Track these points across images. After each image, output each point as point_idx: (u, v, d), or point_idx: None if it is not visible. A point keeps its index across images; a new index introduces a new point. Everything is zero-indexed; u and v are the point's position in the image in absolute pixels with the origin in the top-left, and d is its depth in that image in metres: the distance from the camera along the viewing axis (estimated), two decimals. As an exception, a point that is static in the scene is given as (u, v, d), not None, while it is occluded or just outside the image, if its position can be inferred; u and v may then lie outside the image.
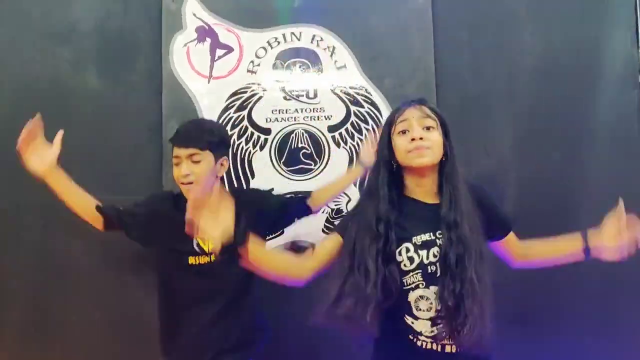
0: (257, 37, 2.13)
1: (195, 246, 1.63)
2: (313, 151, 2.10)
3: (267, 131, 2.11)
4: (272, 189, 1.93)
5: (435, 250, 1.26)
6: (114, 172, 2.11)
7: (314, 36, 2.13)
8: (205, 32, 2.13)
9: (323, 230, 2.06)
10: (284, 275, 1.38)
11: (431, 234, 1.28)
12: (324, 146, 2.10)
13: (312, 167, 2.10)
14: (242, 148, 2.10)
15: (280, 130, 2.10)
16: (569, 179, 2.11)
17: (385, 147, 1.35)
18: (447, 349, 1.26)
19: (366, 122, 2.09)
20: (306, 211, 1.82)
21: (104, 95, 2.15)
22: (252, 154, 2.10)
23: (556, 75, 2.14)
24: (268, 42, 2.13)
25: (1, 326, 2.11)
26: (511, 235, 1.44)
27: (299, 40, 2.13)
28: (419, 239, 1.28)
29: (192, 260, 1.64)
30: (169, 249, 1.67)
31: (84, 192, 1.71)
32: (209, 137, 1.62)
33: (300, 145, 2.10)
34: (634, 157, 2.11)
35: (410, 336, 1.28)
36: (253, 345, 1.71)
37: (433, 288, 1.25)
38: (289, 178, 2.09)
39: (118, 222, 1.70)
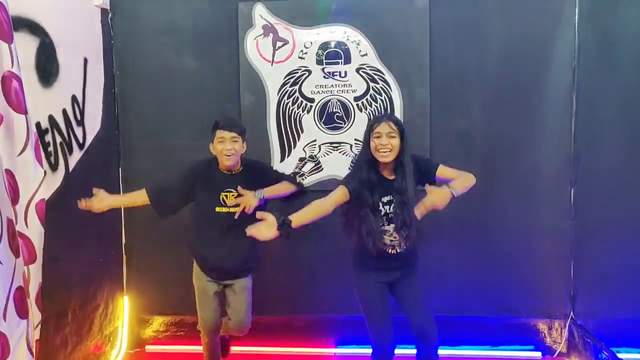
0: (306, 32, 2.99)
1: (220, 200, 2.48)
2: (343, 114, 3.01)
3: (312, 100, 3.02)
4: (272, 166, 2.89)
5: (393, 205, 2.26)
6: (207, 125, 3.02)
7: (345, 32, 2.97)
8: (268, 29, 3.00)
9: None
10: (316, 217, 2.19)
11: (390, 196, 2.26)
12: (351, 111, 3.01)
13: (343, 125, 3.02)
14: (294, 112, 3.04)
15: (321, 100, 3.01)
16: (520, 131, 2.98)
17: (367, 143, 2.27)
18: (391, 252, 2.30)
19: (380, 94, 2.98)
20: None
21: (198, 73, 3.07)
22: (302, 116, 3.03)
23: (515, 58, 2.93)
24: (313, 36, 2.99)
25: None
26: (444, 170, 2.30)
27: (334, 35, 2.97)
28: (384, 199, 2.27)
29: (218, 209, 2.48)
30: (205, 200, 2.48)
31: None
32: (241, 128, 2.49)
33: (334, 110, 3.01)
34: (565, 115, 2.95)
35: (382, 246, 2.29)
36: (252, 267, 2.60)
37: (392, 225, 2.27)
38: (326, 133, 3.03)
39: (161, 199, 2.51)
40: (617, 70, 2.92)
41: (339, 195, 2.24)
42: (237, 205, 2.47)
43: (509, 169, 3.02)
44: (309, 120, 3.03)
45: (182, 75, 3.08)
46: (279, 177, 2.64)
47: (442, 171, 2.31)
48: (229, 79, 3.04)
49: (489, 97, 2.98)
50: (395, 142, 2.23)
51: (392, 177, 2.29)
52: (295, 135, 3.04)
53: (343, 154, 3.03)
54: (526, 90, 2.97)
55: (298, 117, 3.03)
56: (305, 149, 3.04)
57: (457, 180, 2.20)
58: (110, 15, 2.99)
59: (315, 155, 3.05)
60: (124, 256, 3.19)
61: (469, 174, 2.26)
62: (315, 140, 3.03)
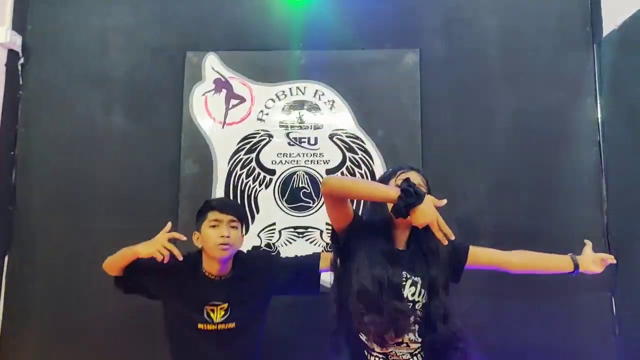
0: (267, 89, 2.42)
1: (205, 315, 1.75)
2: (312, 191, 2.35)
3: (272, 172, 2.37)
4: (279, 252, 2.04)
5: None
6: (137, 202, 2.37)
7: (316, 91, 2.41)
8: (221, 84, 2.43)
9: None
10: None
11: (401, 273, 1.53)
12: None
13: (311, 205, 2.34)
14: (250, 186, 2.36)
15: (284, 172, 2.37)
16: (538, 222, 2.33)
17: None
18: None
19: (359, 167, 2.36)
20: (316, 270, 1.81)
21: (130, 135, 2.43)
22: (258, 192, 2.35)
23: (526, 132, 2.39)
24: (276, 94, 2.42)
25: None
26: (479, 251, 1.69)
27: (303, 94, 2.42)
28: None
29: (201, 326, 1.75)
30: (182, 312, 1.76)
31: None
32: (243, 211, 1.93)
33: (301, 185, 2.36)
34: (594, 202, 2.35)
35: (365, 352, 1.53)
36: None
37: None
38: (289, 214, 2.34)
39: (137, 279, 1.77)
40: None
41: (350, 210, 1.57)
42: (229, 321, 1.74)
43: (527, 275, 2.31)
44: (267, 198, 2.35)
45: (108, 138, 2.43)
46: (298, 264, 1.87)
47: (478, 251, 1.70)
48: (168, 143, 2.40)
49: (497, 177, 2.38)
50: None
51: (402, 248, 1.58)
52: (249, 217, 2.33)
53: (310, 243, 2.31)
54: (542, 171, 2.39)
55: (253, 193, 2.35)
56: (260, 234, 2.32)
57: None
58: (22, 60, 2.40)
59: (273, 244, 2.31)
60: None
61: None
62: (274, 224, 2.32)
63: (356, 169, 2.35)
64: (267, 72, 2.43)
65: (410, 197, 1.38)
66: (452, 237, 1.41)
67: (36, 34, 2.45)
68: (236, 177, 2.36)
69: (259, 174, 2.37)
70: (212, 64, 2.43)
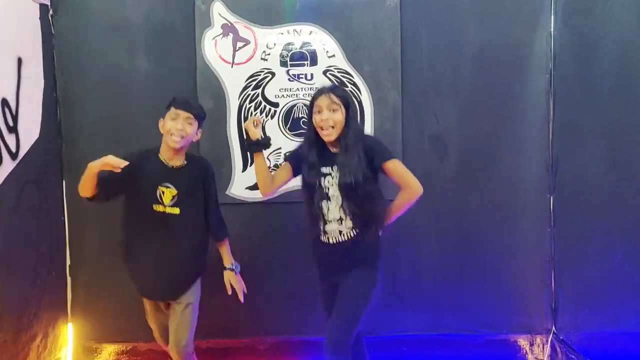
0: (268, 32, 2.78)
1: (157, 196, 2.11)
2: (310, 119, 2.81)
3: (276, 105, 2.80)
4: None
5: (329, 179, 2.07)
6: (158, 135, 2.79)
7: (310, 32, 2.78)
8: (228, 28, 2.78)
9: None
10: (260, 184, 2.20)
11: (329, 168, 2.07)
12: (318, 116, 2.81)
13: (310, 131, 2.82)
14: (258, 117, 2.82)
15: (286, 104, 2.80)
16: (496, 138, 2.84)
17: (310, 118, 2.11)
18: (331, 241, 2.10)
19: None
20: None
21: (151, 76, 2.81)
22: (265, 122, 2.81)
23: (490, 62, 2.81)
24: (276, 36, 2.78)
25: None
26: (392, 167, 2.06)
27: (299, 34, 2.78)
28: (324, 170, 2.07)
29: (155, 207, 2.12)
30: (141, 193, 2.12)
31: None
32: (200, 112, 2.20)
33: (300, 115, 2.80)
34: (542, 122, 2.83)
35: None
36: (194, 281, 2.23)
37: (329, 202, 2.07)
38: (292, 140, 2.80)
39: (114, 185, 2.08)
40: (594, 74, 2.81)
41: (284, 171, 2.23)
42: (175, 206, 2.14)
43: (484, 177, 2.87)
44: (273, 127, 2.81)
45: (133, 78, 2.81)
46: (215, 210, 2.29)
47: (390, 168, 2.06)
48: (185, 82, 2.80)
49: (463, 102, 2.84)
50: (339, 116, 2.05)
51: (335, 151, 2.11)
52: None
53: (310, 163, 2.82)
54: (502, 96, 2.85)
55: (261, 123, 2.80)
56: (269, 157, 2.81)
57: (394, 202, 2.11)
58: (51, 11, 2.71)
59: (280, 165, 2.82)
60: (69, 278, 2.87)
61: (414, 185, 2.06)
62: (280, 148, 2.81)
63: (346, 100, 2.80)
64: (267, 17, 2.77)
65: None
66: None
67: (60, -14, 2.74)
68: (246, 110, 2.80)
69: (265, 106, 2.80)
70: (219, 11, 2.76)
